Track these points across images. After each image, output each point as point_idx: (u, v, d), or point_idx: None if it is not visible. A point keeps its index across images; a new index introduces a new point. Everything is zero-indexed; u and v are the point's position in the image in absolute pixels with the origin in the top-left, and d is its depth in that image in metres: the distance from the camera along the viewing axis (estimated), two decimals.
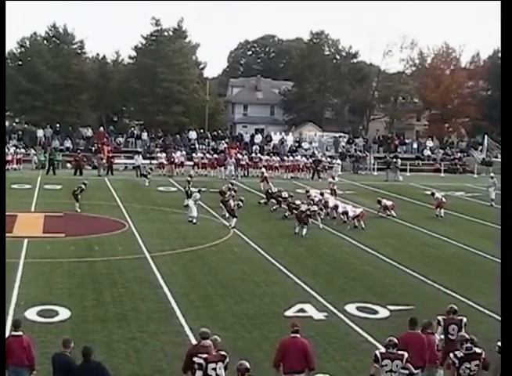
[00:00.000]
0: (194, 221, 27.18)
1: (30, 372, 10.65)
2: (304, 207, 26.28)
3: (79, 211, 28.69)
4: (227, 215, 27.66)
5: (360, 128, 70.27)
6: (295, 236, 25.38)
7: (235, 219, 26.57)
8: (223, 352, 10.38)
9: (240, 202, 27.60)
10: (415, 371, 10.71)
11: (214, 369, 10.09)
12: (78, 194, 28.97)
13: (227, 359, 10.27)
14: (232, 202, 27.58)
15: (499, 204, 27.33)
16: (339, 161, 49.31)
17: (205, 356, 10.18)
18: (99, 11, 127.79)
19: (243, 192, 34.39)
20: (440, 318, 12.23)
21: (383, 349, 10.99)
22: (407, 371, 10.62)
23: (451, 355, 10.66)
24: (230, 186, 31.28)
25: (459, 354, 10.59)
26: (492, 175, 38.52)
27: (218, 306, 16.57)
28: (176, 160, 46.03)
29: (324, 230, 26.75)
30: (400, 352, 10.61)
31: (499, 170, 38.83)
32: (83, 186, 29.43)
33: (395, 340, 10.74)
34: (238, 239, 24.77)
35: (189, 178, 32.61)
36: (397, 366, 10.54)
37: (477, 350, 10.70)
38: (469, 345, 10.65)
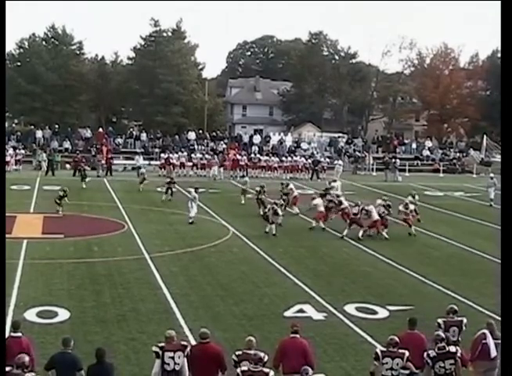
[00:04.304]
0: (191, 220, 27.18)
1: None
2: (356, 210, 25.62)
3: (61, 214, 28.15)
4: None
5: (359, 129, 70.28)
6: (295, 236, 25.35)
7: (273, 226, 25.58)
8: (184, 342, 10.66)
9: (275, 206, 25.99)
10: (416, 370, 10.70)
11: (172, 358, 10.27)
12: (62, 199, 28.50)
13: (188, 349, 10.42)
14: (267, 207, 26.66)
15: (499, 204, 27.30)
16: (341, 162, 49.17)
17: (162, 344, 10.42)
18: (98, 12, 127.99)
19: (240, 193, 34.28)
20: (440, 321, 12.06)
21: (383, 348, 10.99)
22: (408, 371, 10.58)
23: (424, 354, 10.68)
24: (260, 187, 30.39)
25: (432, 353, 10.61)
26: (491, 175, 38.50)
27: (217, 307, 16.56)
28: (174, 161, 46.04)
29: (324, 231, 26.73)
30: (401, 351, 10.59)
31: (498, 170, 38.86)
32: (61, 193, 28.77)
33: (396, 339, 10.71)
34: (237, 239, 24.76)
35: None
36: (397, 364, 10.52)
37: (452, 349, 10.68)
38: (442, 344, 10.65)
